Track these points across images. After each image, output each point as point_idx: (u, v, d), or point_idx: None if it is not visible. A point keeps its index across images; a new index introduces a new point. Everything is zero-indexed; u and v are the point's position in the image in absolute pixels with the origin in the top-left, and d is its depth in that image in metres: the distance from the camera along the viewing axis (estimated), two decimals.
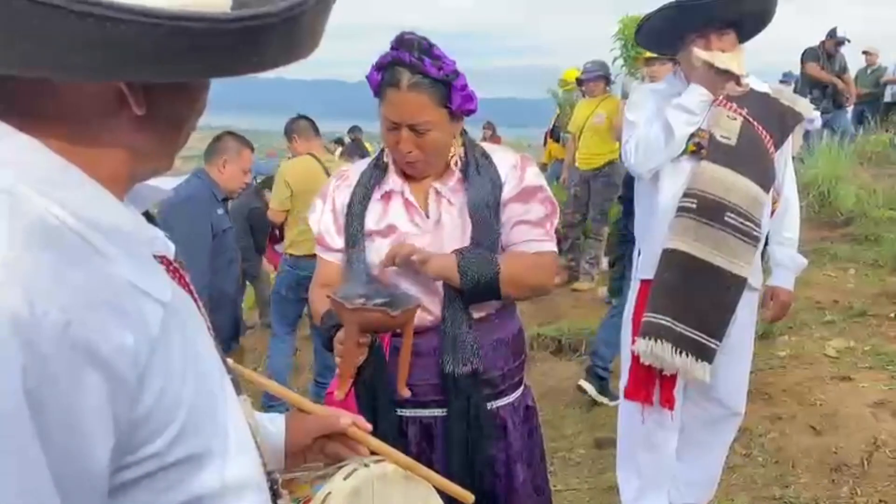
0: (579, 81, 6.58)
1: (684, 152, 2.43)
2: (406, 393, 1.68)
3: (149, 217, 0.84)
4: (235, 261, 3.78)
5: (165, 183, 1.44)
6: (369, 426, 1.13)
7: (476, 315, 1.83)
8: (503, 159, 1.88)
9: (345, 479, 1.06)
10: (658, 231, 2.46)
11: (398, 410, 1.82)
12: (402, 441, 1.81)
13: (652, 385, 2.48)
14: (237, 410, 0.81)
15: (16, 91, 0.66)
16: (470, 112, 1.81)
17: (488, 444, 1.82)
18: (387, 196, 1.86)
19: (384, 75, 1.73)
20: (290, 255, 4.51)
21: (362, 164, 1.95)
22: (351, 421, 1.11)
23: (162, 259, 0.78)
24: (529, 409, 1.98)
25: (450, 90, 1.72)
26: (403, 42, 1.71)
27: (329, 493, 1.04)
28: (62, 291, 0.60)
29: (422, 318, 1.75)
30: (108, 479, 0.65)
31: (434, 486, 1.17)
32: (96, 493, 0.63)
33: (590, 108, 6.21)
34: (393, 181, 1.86)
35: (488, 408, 1.84)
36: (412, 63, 1.69)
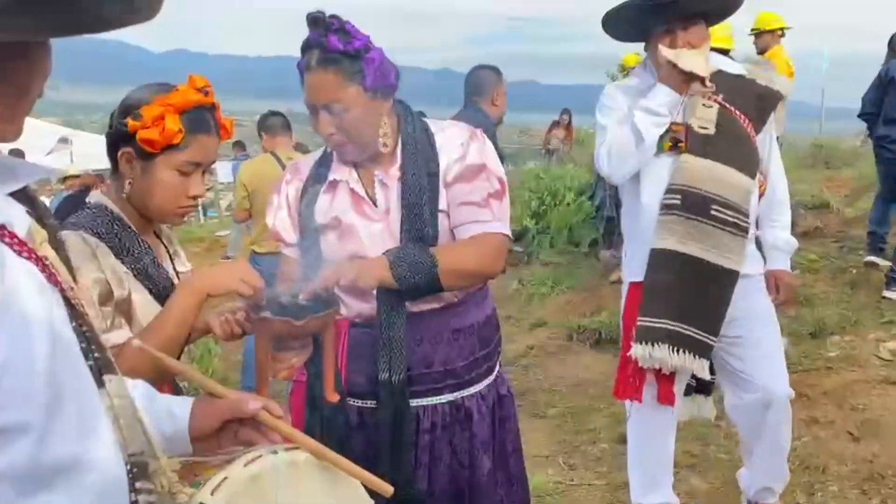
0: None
1: (661, 150, 2.36)
2: (334, 398, 1.61)
3: (24, 196, 0.84)
4: None
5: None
6: (280, 411, 1.11)
7: (436, 305, 1.78)
8: (452, 137, 1.80)
9: (245, 465, 1.04)
10: (645, 231, 2.40)
11: (359, 402, 1.81)
12: (361, 434, 1.81)
13: (641, 383, 2.43)
14: (86, 392, 0.81)
15: None
16: (390, 87, 1.73)
17: (407, 450, 1.77)
18: (332, 186, 1.81)
19: (301, 61, 1.69)
20: (254, 252, 4.62)
21: (314, 156, 1.91)
22: (260, 406, 1.08)
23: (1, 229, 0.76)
24: (503, 397, 1.93)
25: (361, 65, 1.65)
26: (310, 21, 1.66)
27: (225, 478, 1.01)
28: None
29: (362, 308, 1.74)
30: None
31: (352, 476, 1.15)
32: None
33: None
34: (337, 171, 1.80)
35: (450, 399, 1.82)
36: (318, 41, 1.64)
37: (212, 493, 1.02)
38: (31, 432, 0.73)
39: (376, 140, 1.74)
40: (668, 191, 2.33)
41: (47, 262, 0.81)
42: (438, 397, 1.82)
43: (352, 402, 1.81)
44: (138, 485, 0.86)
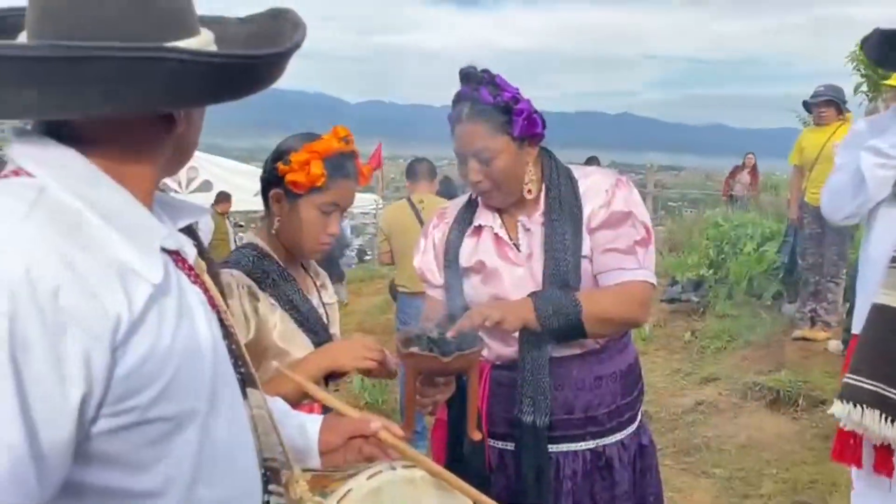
0: (806, 106, 5.95)
1: (894, 197, 2.13)
2: (477, 436, 1.65)
3: (191, 231, 1.01)
4: None
5: None
6: (401, 432, 1.18)
7: (578, 351, 1.78)
8: (596, 183, 1.82)
9: (367, 478, 1.13)
10: (869, 283, 2.18)
11: (500, 444, 1.82)
12: (502, 476, 1.83)
13: (859, 447, 2.16)
14: (236, 398, 0.96)
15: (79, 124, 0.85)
16: (537, 137, 1.78)
17: (548, 495, 1.75)
18: (477, 231, 1.87)
19: (452, 113, 1.77)
20: (400, 292, 4.75)
21: (460, 202, 1.98)
22: (381, 425, 1.17)
23: (174, 255, 0.93)
24: (645, 448, 1.88)
25: (511, 116, 1.72)
26: (463, 76, 1.75)
27: (350, 489, 1.11)
28: (59, 264, 0.76)
29: (505, 352, 1.75)
30: (83, 419, 0.78)
31: (465, 495, 1.20)
32: (69, 426, 0.77)
33: (821, 136, 5.63)
34: (482, 216, 1.87)
35: (591, 447, 1.80)
36: (469, 94, 1.72)
37: (338, 503, 1.11)
38: (197, 418, 0.87)
39: (522, 187, 1.80)
40: None
41: (208, 287, 0.96)
42: (579, 444, 1.81)
43: (492, 444, 1.84)
44: (271, 487, 0.98)
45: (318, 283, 1.84)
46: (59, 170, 0.84)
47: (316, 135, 1.67)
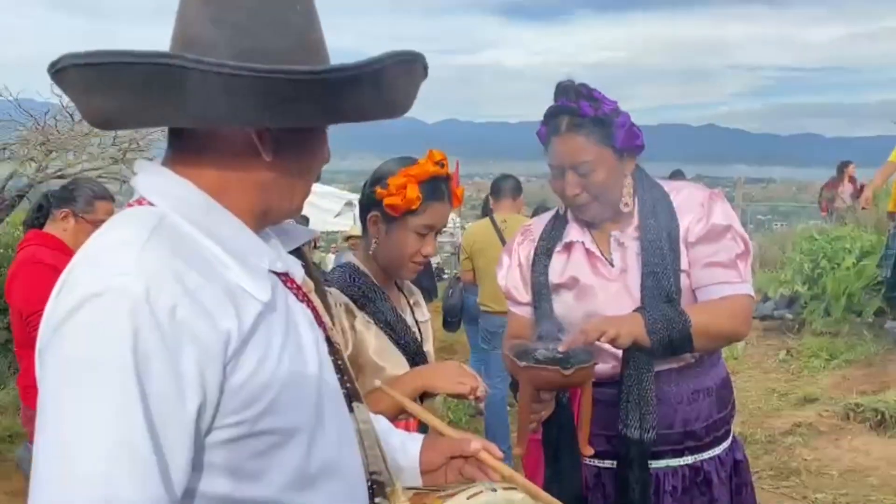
0: None
1: None
2: (589, 451, 1.64)
3: (300, 253, 1.06)
4: None
5: None
6: (500, 454, 1.19)
7: (675, 365, 1.76)
8: (689, 197, 1.80)
9: (468, 498, 1.13)
10: None
11: (596, 462, 1.81)
12: (599, 494, 1.81)
13: None
14: (342, 412, 0.99)
15: (185, 138, 0.92)
16: (637, 149, 1.76)
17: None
18: (567, 247, 1.85)
19: (547, 126, 1.77)
20: (484, 311, 4.73)
21: (545, 218, 1.97)
22: (480, 446, 1.18)
23: (284, 276, 0.98)
24: (739, 463, 1.85)
25: (611, 128, 1.71)
26: (561, 90, 1.74)
27: None
28: (175, 285, 0.82)
29: (602, 368, 1.73)
30: (199, 429, 0.83)
31: None
32: (187, 434, 0.82)
33: None
34: (573, 232, 1.85)
35: (689, 462, 1.77)
36: (569, 107, 1.71)
37: None
38: (303, 434, 0.91)
39: (619, 200, 1.79)
40: None
41: (315, 306, 1.00)
42: (678, 459, 1.79)
43: (588, 462, 1.82)
44: (377, 500, 1.01)
45: (411, 302, 1.87)
46: (176, 200, 0.90)
47: (412, 159, 1.71)
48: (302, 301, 0.99)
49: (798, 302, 7.05)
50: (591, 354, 1.62)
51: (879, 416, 4.61)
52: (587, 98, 1.72)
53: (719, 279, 1.73)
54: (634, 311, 1.71)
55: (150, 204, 0.91)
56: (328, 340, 1.01)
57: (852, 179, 11.52)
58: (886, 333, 6.06)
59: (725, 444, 1.84)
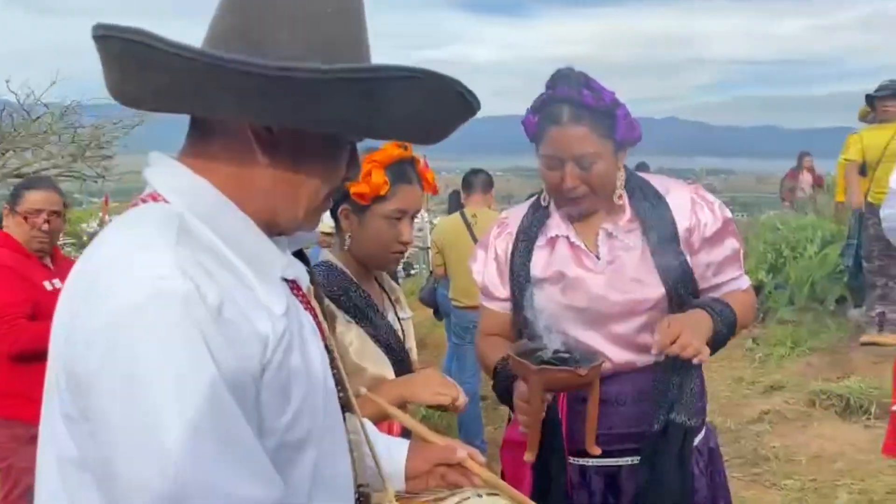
0: (869, 101, 5.74)
1: None
2: (596, 451, 1.62)
3: (302, 255, 1.03)
4: None
5: None
6: (483, 459, 1.18)
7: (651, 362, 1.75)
8: (677, 192, 1.79)
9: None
10: None
11: (581, 461, 1.79)
12: (584, 493, 1.79)
13: None
14: (340, 422, 0.98)
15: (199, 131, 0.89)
16: (635, 140, 1.73)
17: (690, 492, 1.74)
18: (551, 242, 1.80)
19: (542, 115, 1.69)
20: (455, 306, 4.72)
21: (521, 210, 1.91)
22: (466, 454, 1.17)
23: (291, 283, 0.95)
24: (713, 451, 1.87)
25: (613, 120, 1.67)
26: (560, 78, 1.67)
27: None
28: (215, 283, 0.80)
29: (622, 357, 1.73)
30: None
31: None
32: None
33: (884, 134, 5.44)
34: (556, 226, 1.80)
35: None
36: (571, 97, 1.64)
37: None
38: (314, 441, 0.89)
39: (614, 192, 1.75)
40: None
41: (317, 313, 0.99)
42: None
43: (572, 461, 1.79)
44: None
45: (392, 299, 1.84)
46: (191, 198, 0.87)
47: (375, 147, 1.66)
48: (307, 309, 0.97)
49: (762, 291, 7.16)
50: (596, 354, 1.61)
51: (844, 403, 4.71)
52: (588, 87, 1.65)
53: (733, 274, 1.80)
54: (696, 307, 1.68)
55: (164, 200, 0.87)
56: (326, 348, 0.99)
57: (811, 170, 11.79)
58: (849, 321, 6.19)
59: (703, 433, 1.84)
